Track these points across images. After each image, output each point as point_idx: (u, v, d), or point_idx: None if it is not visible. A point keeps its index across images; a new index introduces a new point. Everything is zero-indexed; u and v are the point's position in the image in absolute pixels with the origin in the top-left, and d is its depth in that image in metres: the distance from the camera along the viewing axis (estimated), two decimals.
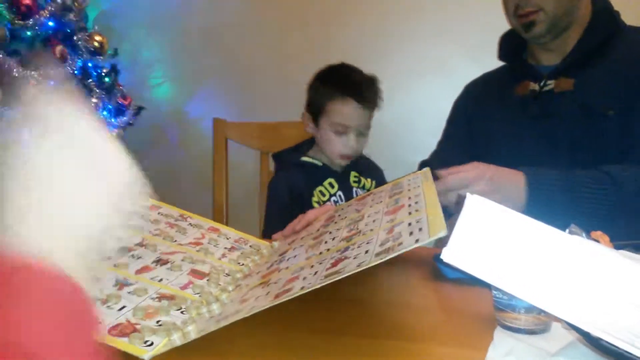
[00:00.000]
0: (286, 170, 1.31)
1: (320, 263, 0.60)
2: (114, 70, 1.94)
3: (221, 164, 1.50)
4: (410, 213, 0.62)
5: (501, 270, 0.45)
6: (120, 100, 1.92)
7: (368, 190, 1.33)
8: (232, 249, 0.84)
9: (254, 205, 1.55)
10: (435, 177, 0.84)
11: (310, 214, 0.91)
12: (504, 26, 1.14)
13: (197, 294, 0.65)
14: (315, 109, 1.28)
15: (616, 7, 1.07)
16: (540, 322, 0.57)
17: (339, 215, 0.84)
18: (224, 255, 0.80)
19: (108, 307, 0.57)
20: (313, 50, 1.98)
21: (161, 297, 0.62)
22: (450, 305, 0.72)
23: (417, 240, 0.51)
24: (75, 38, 1.78)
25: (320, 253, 0.66)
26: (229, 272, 0.74)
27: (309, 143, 1.38)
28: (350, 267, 0.53)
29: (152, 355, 0.51)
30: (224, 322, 0.53)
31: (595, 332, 0.41)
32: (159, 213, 0.89)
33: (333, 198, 1.29)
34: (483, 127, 1.15)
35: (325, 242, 0.70)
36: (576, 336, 0.51)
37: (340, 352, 0.55)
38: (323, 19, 1.98)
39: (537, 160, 1.04)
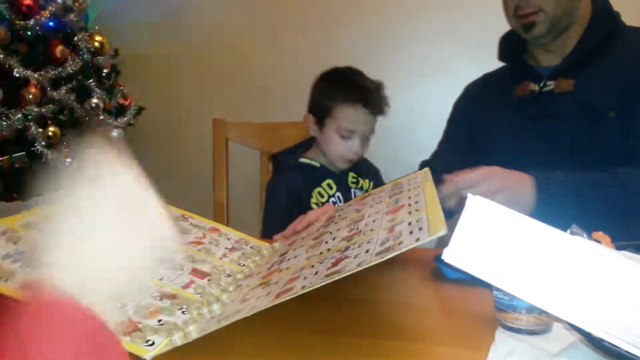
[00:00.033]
0: (284, 171, 1.31)
1: (321, 263, 0.60)
2: (114, 71, 1.94)
3: (221, 164, 1.50)
4: (410, 212, 0.62)
5: (502, 271, 0.45)
6: (121, 101, 1.93)
7: (366, 191, 1.33)
8: (232, 249, 0.84)
9: (254, 205, 1.55)
10: (440, 181, 0.83)
11: (310, 215, 0.91)
12: (505, 27, 1.14)
13: (198, 293, 0.65)
14: (321, 111, 1.26)
15: (616, 7, 1.07)
16: (541, 323, 0.57)
17: (339, 216, 0.84)
18: (224, 256, 0.80)
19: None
20: (314, 51, 1.98)
21: (162, 296, 0.62)
22: (451, 305, 0.72)
23: (417, 239, 0.51)
24: (75, 38, 1.78)
25: (321, 253, 0.66)
26: (230, 272, 0.74)
27: (306, 144, 1.38)
28: (350, 267, 0.53)
29: (154, 355, 0.51)
30: (224, 322, 0.54)
31: (597, 333, 0.41)
32: None
33: (332, 199, 1.29)
34: (483, 128, 1.15)
35: (326, 242, 0.70)
36: (577, 337, 0.51)
37: (340, 352, 0.55)
38: (324, 19, 1.98)
39: (537, 160, 1.04)
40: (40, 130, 1.66)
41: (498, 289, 0.58)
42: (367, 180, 1.36)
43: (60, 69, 1.70)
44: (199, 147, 1.98)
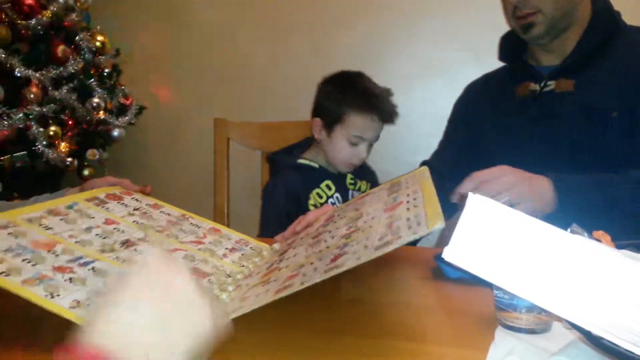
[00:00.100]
0: (281, 172, 1.31)
1: (320, 260, 0.61)
2: (115, 70, 1.94)
3: (222, 163, 1.50)
4: (408, 209, 0.63)
5: (502, 269, 0.45)
6: (122, 100, 1.93)
7: (363, 192, 1.33)
8: (232, 249, 0.84)
9: (255, 205, 1.54)
10: (439, 180, 0.83)
11: (310, 215, 0.91)
12: (505, 27, 1.14)
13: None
14: (330, 116, 1.26)
15: (616, 7, 1.07)
16: (541, 322, 0.57)
17: (338, 215, 0.84)
18: (224, 256, 0.80)
19: None
20: (315, 50, 1.98)
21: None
22: (451, 305, 0.72)
23: (415, 233, 0.51)
24: (77, 38, 1.78)
25: (320, 251, 0.66)
26: (230, 273, 0.74)
27: (303, 144, 1.38)
28: (349, 262, 0.53)
29: None
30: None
31: (596, 331, 0.41)
32: (160, 212, 0.89)
33: (330, 200, 1.29)
34: (483, 128, 1.15)
35: (325, 241, 0.70)
36: (577, 335, 0.51)
37: (340, 352, 0.55)
38: (324, 19, 1.98)
39: (538, 161, 1.04)
40: (41, 129, 1.66)
41: (498, 288, 0.58)
42: (364, 182, 1.36)
43: (61, 68, 1.71)
44: (200, 147, 1.99)
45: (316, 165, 1.31)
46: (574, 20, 1.03)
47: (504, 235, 0.48)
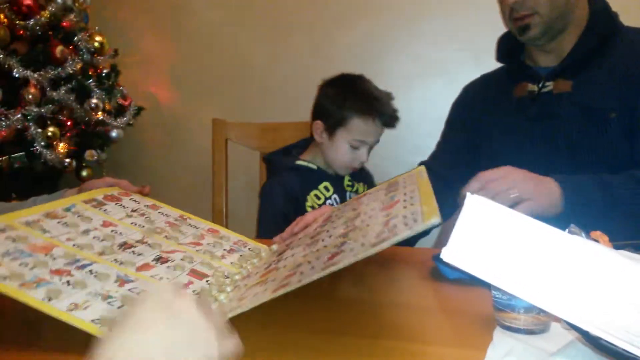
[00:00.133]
0: (279, 173, 1.31)
1: (318, 259, 0.61)
2: (114, 71, 1.94)
3: (221, 164, 1.50)
4: (405, 207, 0.63)
5: (500, 270, 0.45)
6: (121, 101, 1.93)
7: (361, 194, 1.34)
8: (231, 250, 0.84)
9: (253, 206, 1.54)
10: (438, 180, 0.83)
11: (308, 216, 0.91)
12: (505, 27, 1.14)
13: (197, 294, 0.65)
14: (333, 120, 1.26)
15: (615, 8, 1.07)
16: (539, 322, 0.57)
17: (336, 215, 0.84)
18: (223, 257, 0.80)
19: (109, 303, 0.57)
20: (314, 51, 1.98)
21: None
22: (449, 305, 0.72)
23: (411, 229, 0.51)
24: (75, 38, 1.78)
25: (318, 250, 0.66)
26: (228, 274, 0.74)
27: (300, 145, 1.38)
28: (346, 259, 0.53)
29: None
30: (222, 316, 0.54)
31: (595, 331, 0.41)
32: (159, 212, 0.89)
33: (328, 201, 1.29)
34: (481, 129, 1.15)
35: (323, 240, 0.70)
36: (575, 335, 0.51)
37: (340, 352, 0.55)
38: (324, 19, 1.98)
39: (536, 161, 1.04)
40: (39, 130, 1.66)
41: (496, 289, 0.58)
42: (362, 184, 1.37)
43: (59, 69, 1.71)
44: (199, 147, 1.99)
45: (314, 167, 1.31)
46: (571, 21, 1.03)
47: (502, 236, 0.48)
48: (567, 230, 0.52)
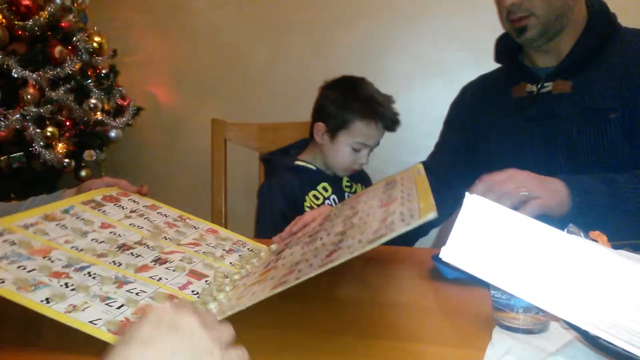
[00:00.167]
0: (278, 173, 1.31)
1: (316, 257, 0.61)
2: (113, 71, 1.94)
3: (220, 165, 1.50)
4: (402, 204, 0.63)
5: (500, 269, 0.45)
6: (119, 101, 1.92)
7: None
8: (230, 251, 0.84)
9: (253, 206, 1.54)
10: (436, 181, 0.83)
11: (307, 216, 0.91)
12: None
13: (196, 294, 0.65)
14: (335, 123, 1.27)
15: (613, 9, 1.07)
16: (538, 322, 0.57)
17: (335, 214, 0.85)
18: (222, 257, 0.80)
19: (107, 304, 0.57)
20: (314, 51, 1.98)
21: (160, 297, 0.62)
22: (448, 305, 0.72)
23: (408, 224, 0.51)
24: (74, 38, 1.77)
25: (316, 248, 0.66)
26: (227, 274, 0.74)
27: (299, 146, 1.38)
28: (343, 256, 0.53)
29: None
30: (220, 315, 0.54)
31: (594, 331, 0.41)
32: (158, 213, 0.89)
33: (327, 201, 1.29)
34: (480, 129, 1.15)
35: (321, 239, 0.70)
36: (574, 335, 0.51)
37: (339, 352, 0.55)
38: (324, 19, 1.98)
39: (536, 162, 1.04)
40: (38, 130, 1.66)
41: (495, 289, 0.58)
42: (359, 185, 1.38)
43: (58, 69, 1.70)
44: (198, 148, 1.98)
45: (313, 168, 1.31)
46: (568, 22, 1.03)
47: (501, 235, 0.48)
48: (565, 230, 0.52)
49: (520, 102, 1.08)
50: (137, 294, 0.61)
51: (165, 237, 0.80)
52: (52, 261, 0.63)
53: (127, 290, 0.61)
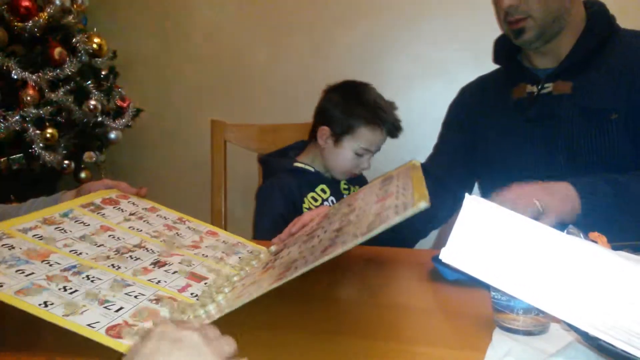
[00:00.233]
0: (276, 175, 1.31)
1: (312, 254, 0.61)
2: (112, 72, 1.94)
3: (219, 166, 1.50)
4: (397, 198, 0.63)
5: (499, 271, 0.45)
6: (119, 102, 1.92)
7: None
8: (230, 253, 0.84)
9: (252, 208, 1.54)
10: (435, 182, 0.82)
11: (305, 216, 0.91)
12: None
13: (195, 296, 0.65)
14: (340, 127, 1.28)
15: (612, 11, 1.07)
16: (538, 323, 0.57)
17: (333, 213, 0.85)
18: (221, 259, 0.80)
19: (105, 307, 0.57)
20: (314, 52, 1.98)
21: (159, 299, 0.62)
22: (448, 306, 0.72)
23: (401, 215, 0.51)
24: (74, 40, 1.77)
25: (313, 246, 0.66)
26: (227, 276, 0.74)
27: (296, 147, 1.38)
28: (338, 249, 0.53)
29: None
30: (218, 314, 0.54)
31: (594, 332, 0.41)
32: (157, 215, 0.89)
33: (325, 203, 1.30)
34: (479, 130, 1.15)
35: (318, 236, 0.71)
36: (574, 336, 0.51)
37: (339, 353, 0.55)
38: (324, 20, 1.98)
39: (537, 161, 1.04)
40: (38, 132, 1.66)
41: (495, 290, 0.58)
42: (357, 187, 1.38)
43: (58, 70, 1.70)
44: (197, 149, 1.98)
45: (312, 169, 1.31)
46: (566, 24, 1.03)
47: (501, 237, 0.48)
48: (565, 231, 0.52)
49: (520, 103, 1.08)
50: (135, 296, 0.61)
51: (164, 239, 0.80)
52: (51, 265, 0.62)
53: (125, 293, 0.61)
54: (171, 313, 0.59)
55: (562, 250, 0.48)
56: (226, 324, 0.52)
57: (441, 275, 0.78)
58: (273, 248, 0.88)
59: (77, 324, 0.53)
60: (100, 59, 1.87)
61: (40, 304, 0.54)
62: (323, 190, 1.30)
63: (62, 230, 0.71)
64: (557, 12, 1.00)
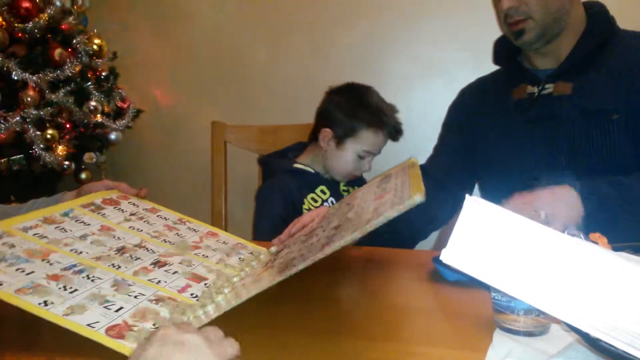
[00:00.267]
0: (276, 176, 1.31)
1: (310, 252, 0.61)
2: (113, 73, 1.94)
3: (220, 167, 1.50)
4: (395, 195, 0.63)
5: (500, 271, 0.45)
6: (119, 103, 1.92)
7: None
8: (230, 254, 0.84)
9: (253, 209, 1.54)
10: (435, 183, 0.82)
11: (305, 217, 0.91)
12: None
13: (195, 297, 0.65)
14: (343, 130, 1.29)
15: (612, 12, 1.07)
16: (539, 324, 0.57)
17: (332, 213, 0.85)
18: (221, 260, 0.80)
19: (105, 307, 0.57)
20: (314, 52, 1.98)
21: (158, 300, 0.62)
22: (449, 307, 0.72)
23: (396, 209, 0.51)
24: (74, 41, 1.77)
25: (311, 244, 0.66)
26: (227, 277, 0.74)
27: (296, 148, 1.38)
28: (336, 245, 0.53)
29: None
30: (217, 314, 0.54)
31: (594, 333, 0.41)
32: (157, 216, 0.89)
33: (325, 204, 1.30)
34: (480, 131, 1.15)
35: (317, 235, 0.71)
36: (575, 337, 0.51)
37: (339, 353, 0.55)
38: (324, 20, 1.98)
39: (538, 162, 1.04)
40: (38, 133, 1.66)
41: (496, 291, 0.58)
42: (356, 188, 1.37)
43: (58, 71, 1.70)
44: (198, 150, 1.98)
45: (312, 170, 1.31)
46: (566, 25, 1.03)
47: (502, 238, 0.48)
48: (566, 231, 0.52)
49: (520, 104, 1.08)
50: (135, 296, 0.61)
51: (165, 240, 0.80)
52: (51, 264, 0.62)
53: (126, 293, 0.61)
54: (171, 313, 0.59)
55: (562, 251, 0.47)
56: (226, 324, 0.52)
57: (442, 276, 0.78)
58: (273, 249, 0.88)
59: (76, 323, 0.53)
60: (100, 60, 1.87)
61: (40, 303, 0.54)
62: (323, 191, 1.30)
63: (63, 230, 0.71)
64: (557, 13, 1.00)
